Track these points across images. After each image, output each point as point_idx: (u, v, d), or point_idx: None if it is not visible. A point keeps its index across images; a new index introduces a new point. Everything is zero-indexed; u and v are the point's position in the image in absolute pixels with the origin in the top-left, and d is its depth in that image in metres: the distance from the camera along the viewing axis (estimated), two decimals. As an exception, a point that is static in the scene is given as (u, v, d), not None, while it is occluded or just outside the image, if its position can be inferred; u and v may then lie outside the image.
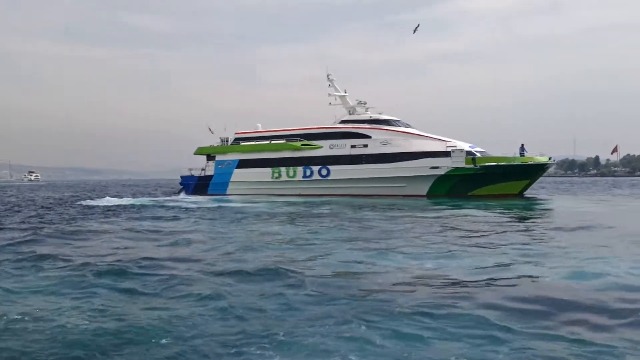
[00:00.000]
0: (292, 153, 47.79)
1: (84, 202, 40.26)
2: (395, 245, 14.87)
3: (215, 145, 51.88)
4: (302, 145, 47.53)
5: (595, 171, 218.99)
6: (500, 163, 42.13)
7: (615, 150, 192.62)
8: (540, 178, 46.50)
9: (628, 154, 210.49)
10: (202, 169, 52.01)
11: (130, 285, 10.00)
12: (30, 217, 27.20)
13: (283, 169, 48.10)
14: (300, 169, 47.49)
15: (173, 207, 33.19)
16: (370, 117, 47.13)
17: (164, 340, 6.78)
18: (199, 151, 52.00)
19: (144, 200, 43.11)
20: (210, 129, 52.67)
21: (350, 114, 48.77)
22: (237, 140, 51.02)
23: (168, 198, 46.10)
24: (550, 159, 43.19)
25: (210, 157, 51.32)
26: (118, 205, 35.47)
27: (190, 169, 53.04)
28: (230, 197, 46.39)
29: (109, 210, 30.65)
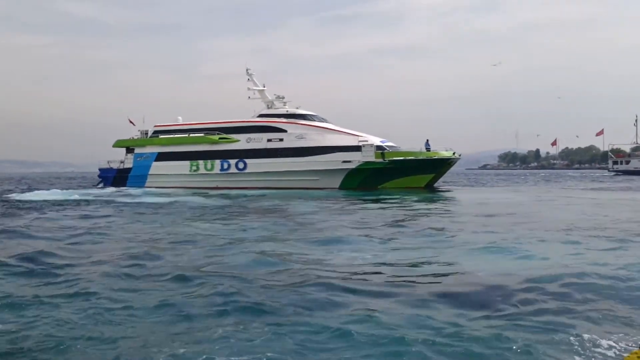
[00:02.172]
0: (209, 146, 48.35)
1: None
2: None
3: (135, 137, 51.88)
4: (219, 138, 48.15)
5: (536, 164, 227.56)
6: (407, 157, 43.95)
7: (554, 143, 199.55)
8: (478, 170, 48.57)
9: (567, 147, 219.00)
10: (121, 162, 51.92)
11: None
12: None
13: (201, 162, 48.61)
14: (217, 162, 48.11)
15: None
16: (287, 111, 48.13)
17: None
18: (118, 143, 51.85)
19: (69, 193, 42.27)
20: (130, 121, 52.57)
21: (268, 108, 49.63)
22: (157, 133, 51.14)
23: (84, 191, 45.81)
24: (454, 153, 45.21)
25: (129, 150, 51.26)
26: (45, 200, 34.10)
27: (109, 161, 52.80)
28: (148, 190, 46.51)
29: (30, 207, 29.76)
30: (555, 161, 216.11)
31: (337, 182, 45.10)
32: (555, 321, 6.93)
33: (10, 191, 46.02)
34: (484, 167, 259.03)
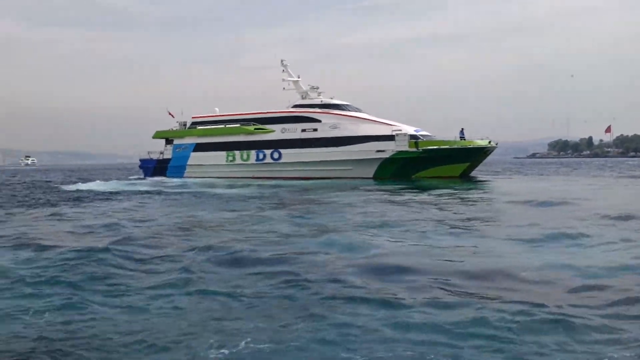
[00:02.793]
0: (245, 137, 49.11)
1: (64, 187, 41.34)
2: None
3: (174, 129, 53.21)
4: (255, 129, 48.82)
5: (588, 152, 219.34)
6: (441, 147, 43.45)
7: (608, 130, 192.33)
8: (527, 159, 47.17)
9: (621, 135, 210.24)
10: (161, 153, 53.42)
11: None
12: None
13: (237, 153, 49.47)
14: (253, 153, 48.86)
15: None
16: (321, 101, 48.35)
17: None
18: (157, 135, 53.33)
19: (114, 184, 44.20)
20: (170, 113, 53.97)
21: (303, 98, 49.96)
22: (194, 124, 52.34)
23: (126, 182, 47.66)
24: (490, 142, 44.37)
25: (168, 141, 52.69)
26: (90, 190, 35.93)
27: (150, 152, 54.42)
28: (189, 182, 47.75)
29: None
30: (609, 149, 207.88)
31: (370, 171, 45.05)
32: None
33: (70, 182, 48.35)
34: (533, 155, 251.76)
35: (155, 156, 53.90)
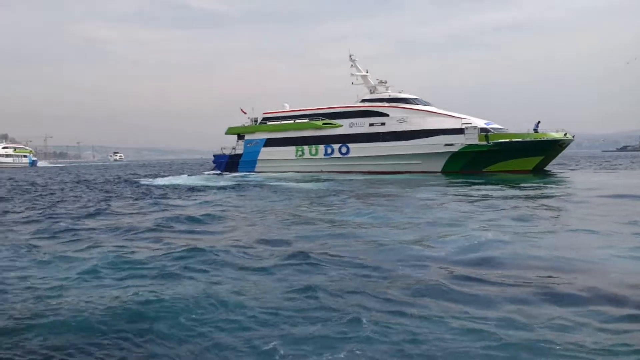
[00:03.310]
0: (314, 132, 49.74)
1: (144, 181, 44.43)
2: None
3: (246, 125, 54.71)
4: (323, 124, 49.35)
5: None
6: (513, 139, 42.13)
7: None
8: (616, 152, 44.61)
9: None
10: (233, 148, 55.12)
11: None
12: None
13: (306, 147, 50.21)
14: (322, 147, 49.41)
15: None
16: (389, 95, 48.15)
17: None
18: (230, 131, 55.07)
19: (189, 179, 46.64)
20: (242, 110, 55.53)
21: (371, 93, 49.95)
22: (265, 120, 53.63)
23: (200, 177, 49.83)
24: (566, 134, 42.47)
25: (240, 137, 54.32)
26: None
27: (222, 148, 56.27)
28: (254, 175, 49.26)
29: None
30: None
31: (439, 165, 44.41)
32: None
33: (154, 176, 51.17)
34: (623, 148, 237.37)
35: (227, 152, 55.68)
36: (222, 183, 38.89)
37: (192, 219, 16.98)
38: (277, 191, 29.63)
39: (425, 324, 6.62)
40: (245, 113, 55.46)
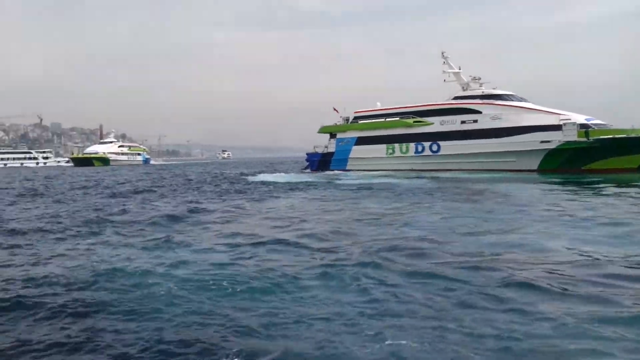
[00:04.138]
0: (404, 130, 49.83)
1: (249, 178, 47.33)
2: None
3: (338, 124, 55.82)
4: (414, 122, 49.32)
5: None
6: (616, 136, 39.83)
7: None
8: None
9: None
10: (325, 147, 56.45)
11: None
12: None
13: (397, 145, 50.42)
14: (412, 145, 49.41)
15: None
16: (483, 92, 47.19)
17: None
18: (322, 130, 56.43)
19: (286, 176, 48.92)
20: (334, 109, 56.72)
21: (464, 90, 49.20)
22: (356, 119, 54.46)
23: (294, 174, 51.74)
24: (679, 130, 39.48)
25: (332, 135, 55.53)
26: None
27: (315, 147, 57.80)
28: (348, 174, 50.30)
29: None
30: None
31: (534, 163, 42.91)
32: None
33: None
34: None
35: (320, 150, 57.12)
36: (312, 179, 40.30)
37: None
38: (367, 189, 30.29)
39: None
40: (337, 112, 56.69)
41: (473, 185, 31.03)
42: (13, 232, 15.02)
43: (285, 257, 10.89)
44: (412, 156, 49.50)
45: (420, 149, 48.98)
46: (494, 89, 47.37)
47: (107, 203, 24.31)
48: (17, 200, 27.04)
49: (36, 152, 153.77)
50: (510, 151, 43.51)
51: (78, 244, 13.00)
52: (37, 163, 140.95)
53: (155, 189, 33.98)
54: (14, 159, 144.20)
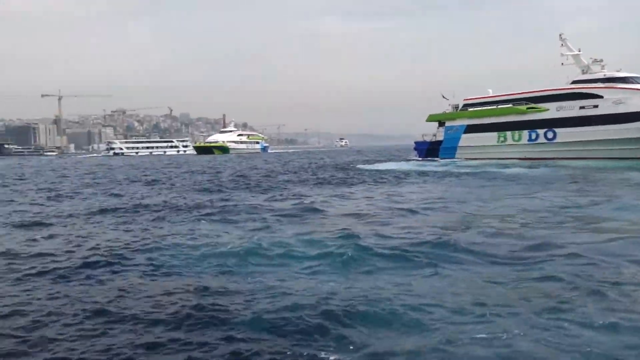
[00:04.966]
0: (517, 117, 47.82)
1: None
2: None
3: (446, 111, 54.77)
4: (527, 108, 47.18)
5: None
6: None
7: None
8: None
9: None
10: (433, 135, 55.67)
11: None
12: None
13: (508, 133, 48.56)
14: (525, 133, 47.35)
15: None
16: (605, 75, 44.04)
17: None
18: (430, 118, 55.64)
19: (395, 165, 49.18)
20: (443, 96, 55.68)
21: (583, 73, 46.17)
22: (466, 106, 53.04)
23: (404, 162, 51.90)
24: None
25: (441, 123, 54.60)
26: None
27: (423, 135, 57.23)
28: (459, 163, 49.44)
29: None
30: None
31: (663, 151, 39.46)
32: None
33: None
34: None
35: (428, 138, 56.50)
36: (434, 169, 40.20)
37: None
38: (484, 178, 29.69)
39: None
40: (446, 99, 55.60)
41: (615, 174, 29.10)
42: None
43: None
44: (524, 144, 47.43)
45: (534, 136, 46.79)
46: (617, 71, 44.00)
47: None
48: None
49: (177, 140, 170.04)
50: (636, 138, 40.31)
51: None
52: (178, 151, 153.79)
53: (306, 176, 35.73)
54: (157, 147, 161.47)
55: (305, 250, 10.73)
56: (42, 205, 21.10)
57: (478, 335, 6.02)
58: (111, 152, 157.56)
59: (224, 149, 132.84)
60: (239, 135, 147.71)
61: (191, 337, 6.22)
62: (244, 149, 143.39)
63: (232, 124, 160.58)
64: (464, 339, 5.94)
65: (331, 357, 5.58)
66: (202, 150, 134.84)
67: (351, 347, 5.85)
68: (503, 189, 23.23)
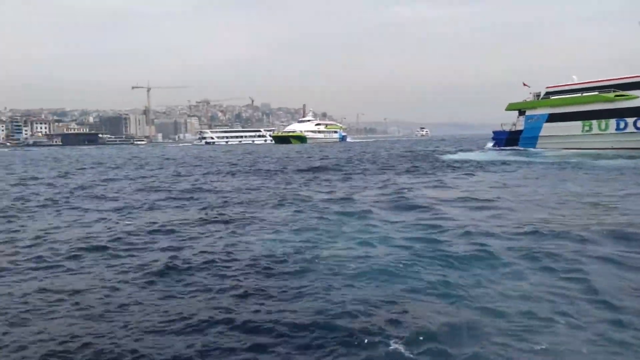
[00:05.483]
0: (604, 105, 45.36)
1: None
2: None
3: (527, 100, 52.80)
4: (615, 96, 44.63)
5: None
6: None
7: None
8: None
9: None
10: (513, 124, 53.88)
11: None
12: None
13: (594, 122, 46.18)
14: (612, 122, 44.86)
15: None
16: None
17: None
18: (510, 107, 53.87)
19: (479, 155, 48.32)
20: (524, 84, 53.67)
21: (679, 57, 43.05)
22: (548, 94, 50.86)
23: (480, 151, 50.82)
24: None
25: (521, 112, 52.75)
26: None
27: (502, 124, 55.53)
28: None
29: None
30: None
31: None
32: None
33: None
34: None
35: (507, 128, 54.80)
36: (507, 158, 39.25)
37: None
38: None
39: None
40: (527, 87, 53.59)
41: None
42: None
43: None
44: (612, 133, 44.95)
45: (622, 125, 44.23)
46: None
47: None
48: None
49: (264, 130, 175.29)
50: None
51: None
52: (265, 140, 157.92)
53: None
54: (246, 136, 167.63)
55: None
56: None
57: None
58: (203, 142, 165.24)
59: (301, 139, 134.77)
60: (316, 124, 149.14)
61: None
62: (321, 138, 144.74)
63: (311, 114, 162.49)
64: None
65: None
66: (280, 139, 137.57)
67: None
68: (618, 182, 21.50)
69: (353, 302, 7.11)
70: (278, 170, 34.47)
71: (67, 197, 20.76)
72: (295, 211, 15.50)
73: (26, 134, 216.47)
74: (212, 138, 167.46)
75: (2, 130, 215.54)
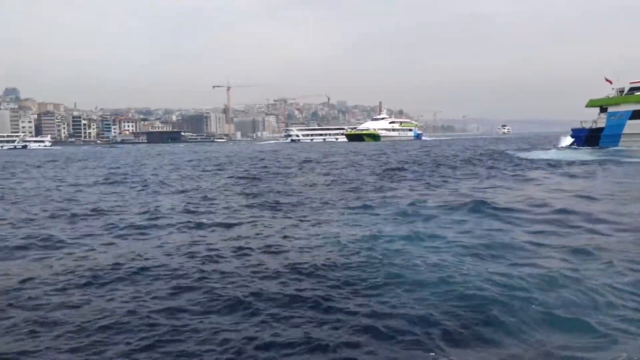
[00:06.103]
0: (693, 101, 42.22)
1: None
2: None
3: (610, 96, 49.95)
4: None
5: None
6: None
7: None
8: None
9: None
10: (594, 121, 51.15)
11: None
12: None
13: (684, 119, 43.10)
14: (702, 118, 41.69)
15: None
16: None
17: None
18: (591, 103, 51.11)
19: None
20: (607, 79, 50.77)
21: None
22: (632, 90, 47.88)
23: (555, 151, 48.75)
24: None
25: (602, 109, 49.96)
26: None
27: (582, 122, 52.85)
28: None
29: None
30: None
31: None
32: None
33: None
34: None
35: (587, 125, 52.14)
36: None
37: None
38: None
39: None
40: (610, 83, 50.66)
41: None
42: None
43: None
44: None
45: None
46: None
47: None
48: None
49: (348, 128, 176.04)
50: None
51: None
52: (336, 139, 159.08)
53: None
54: (329, 134, 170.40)
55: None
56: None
57: None
58: (288, 139, 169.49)
59: (374, 137, 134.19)
60: (390, 122, 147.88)
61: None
62: (395, 136, 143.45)
63: (385, 111, 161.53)
64: None
65: None
66: (353, 137, 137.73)
67: None
68: None
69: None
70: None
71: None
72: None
73: (115, 132, 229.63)
74: (297, 136, 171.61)
75: (94, 129, 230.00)
